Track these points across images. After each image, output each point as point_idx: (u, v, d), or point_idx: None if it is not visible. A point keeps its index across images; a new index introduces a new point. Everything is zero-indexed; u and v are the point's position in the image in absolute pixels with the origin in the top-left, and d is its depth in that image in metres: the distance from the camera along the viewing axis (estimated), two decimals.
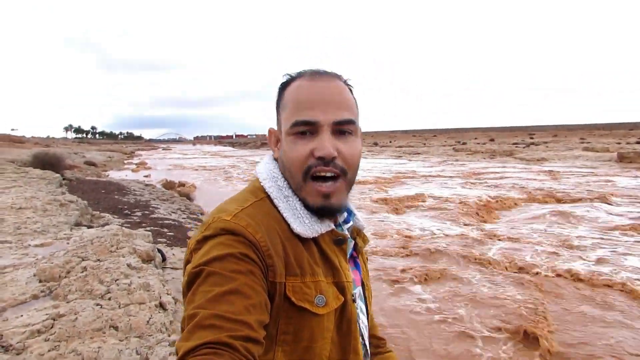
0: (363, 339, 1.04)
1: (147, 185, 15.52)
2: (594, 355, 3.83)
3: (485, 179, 18.44)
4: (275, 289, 0.87)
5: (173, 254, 4.47)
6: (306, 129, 0.93)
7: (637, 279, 5.64)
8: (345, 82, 1.01)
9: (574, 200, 12.15)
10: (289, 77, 1.02)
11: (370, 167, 26.08)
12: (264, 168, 1.03)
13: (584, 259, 6.66)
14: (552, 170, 21.11)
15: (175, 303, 1.96)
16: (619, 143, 35.95)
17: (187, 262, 0.91)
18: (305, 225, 0.94)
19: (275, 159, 1.04)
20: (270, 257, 0.87)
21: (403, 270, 6.10)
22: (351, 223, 1.05)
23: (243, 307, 0.77)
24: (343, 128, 0.95)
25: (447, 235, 8.46)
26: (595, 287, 5.48)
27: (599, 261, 6.54)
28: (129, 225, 6.39)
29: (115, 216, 7.43)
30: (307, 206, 0.96)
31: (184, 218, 8.04)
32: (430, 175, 20.03)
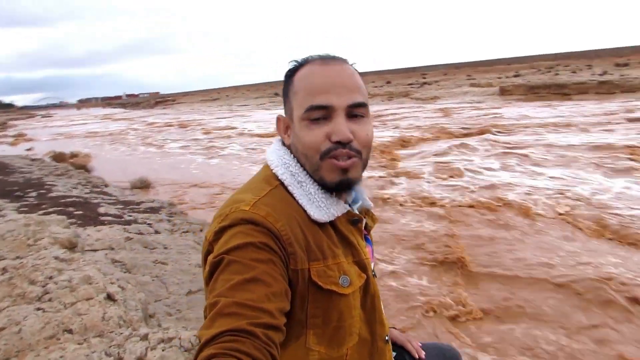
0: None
1: (33, 160, 14.03)
2: (506, 269, 4.33)
3: (385, 121, 19.23)
4: (297, 276, 0.88)
5: (88, 235, 4.18)
6: (320, 114, 0.93)
7: (527, 199, 6.37)
8: (352, 65, 1.01)
9: (466, 135, 13.17)
10: (296, 63, 1.00)
11: (273, 118, 25.88)
12: (275, 155, 1.02)
13: (483, 187, 7.33)
14: (445, 108, 22.53)
15: (123, 290, 1.86)
16: (500, 77, 39.15)
17: (207, 253, 0.89)
18: (321, 209, 0.95)
19: (286, 145, 1.03)
20: (291, 245, 0.88)
21: None
22: (360, 202, 1.07)
23: (264, 295, 0.78)
24: (356, 111, 0.95)
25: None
26: (495, 211, 6.10)
27: (494, 187, 7.25)
28: (26, 209, 5.81)
29: (6, 200, 6.69)
30: (324, 185, 0.96)
31: (87, 193, 7.46)
32: None
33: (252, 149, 14.37)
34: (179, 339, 1.32)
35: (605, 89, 22.99)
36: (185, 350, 1.30)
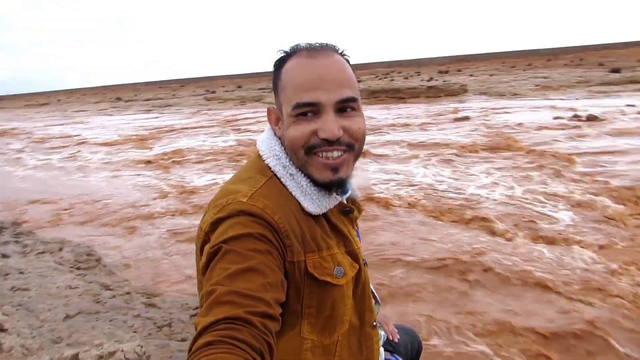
0: (372, 293, 1.13)
1: None
2: (378, 255, 4.71)
3: (240, 125, 19.20)
4: (294, 268, 0.90)
5: None
6: (308, 110, 0.93)
7: (386, 192, 6.99)
8: (342, 54, 0.99)
9: None
10: (284, 53, 0.98)
11: (121, 125, 24.00)
12: (266, 145, 1.01)
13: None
14: None
15: (9, 317, 1.62)
16: None
17: (204, 243, 0.88)
18: (314, 202, 0.97)
19: (277, 136, 1.02)
20: (289, 238, 0.89)
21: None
22: (349, 193, 1.08)
23: (260, 285, 0.79)
24: (346, 106, 0.95)
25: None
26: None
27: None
28: None
29: None
30: (314, 181, 0.96)
31: None
32: (188, 127, 19.72)
33: (99, 159, 13.15)
34: (122, 351, 1.22)
35: (432, 93, 26.08)
36: None
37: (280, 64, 0.99)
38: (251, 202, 0.88)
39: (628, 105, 14.53)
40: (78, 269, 4.04)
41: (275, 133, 1.04)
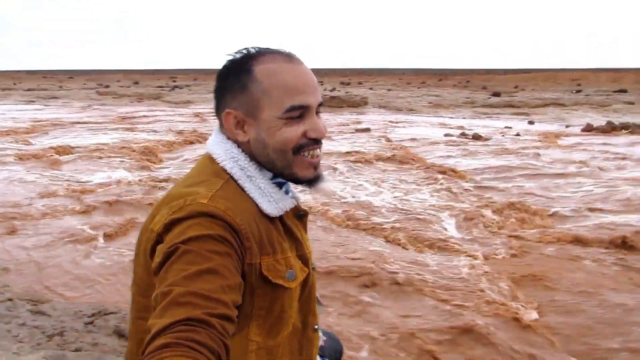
0: (317, 298, 1.13)
1: None
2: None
3: (137, 123, 18.22)
4: (251, 270, 0.90)
5: None
6: (299, 113, 0.95)
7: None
8: None
9: None
10: (244, 54, 0.98)
11: None
12: (220, 149, 0.98)
13: None
14: (199, 113, 22.66)
15: None
16: None
17: (156, 243, 0.86)
18: (271, 204, 0.97)
19: (232, 140, 0.99)
20: (248, 240, 0.89)
21: (94, 227, 5.65)
22: (290, 194, 1.08)
23: (219, 287, 0.78)
24: (319, 109, 1.01)
25: (120, 183, 8.18)
26: None
27: None
28: None
29: None
30: (295, 180, 1.00)
31: None
32: (79, 122, 18.23)
33: None
34: None
35: (335, 103, 26.92)
36: None
37: (244, 65, 0.98)
38: (212, 204, 0.87)
39: (506, 127, 16.27)
40: None
41: (235, 139, 1.00)
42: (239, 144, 1.01)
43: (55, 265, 4.66)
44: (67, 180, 8.46)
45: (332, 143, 12.82)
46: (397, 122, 18.57)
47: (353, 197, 7.36)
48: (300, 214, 1.09)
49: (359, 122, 18.16)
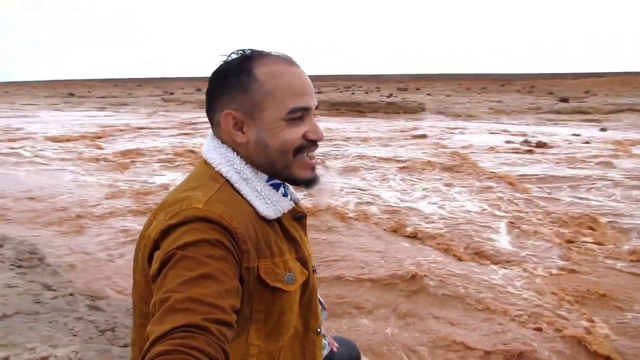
0: (319, 300, 1.12)
1: None
2: (329, 267, 4.73)
3: (199, 129, 18.91)
4: (249, 273, 0.89)
5: None
6: (300, 115, 0.97)
7: (343, 205, 7.06)
8: None
9: None
10: (241, 55, 0.98)
11: (72, 120, 23.06)
12: (215, 153, 0.98)
13: (304, 194, 7.84)
14: None
15: None
16: None
17: (153, 250, 0.85)
18: (269, 206, 0.96)
19: (235, 143, 0.99)
20: (245, 243, 0.88)
21: None
22: (289, 195, 1.08)
23: (217, 292, 0.78)
24: (315, 111, 1.02)
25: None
26: (317, 216, 6.59)
27: (314, 195, 7.82)
28: None
29: None
30: (293, 181, 1.01)
31: None
32: (144, 128, 19.21)
33: (48, 156, 12.55)
34: (55, 357, 1.16)
35: (391, 109, 26.66)
36: None
37: (243, 66, 0.98)
38: (207, 208, 0.86)
39: (574, 135, 15.37)
40: (19, 267, 3.83)
41: (233, 140, 1.00)
42: (235, 147, 1.00)
43: (116, 263, 4.90)
44: (131, 182, 8.91)
45: (385, 149, 12.68)
46: (454, 129, 18.08)
47: (403, 203, 7.22)
48: (298, 216, 1.07)
49: (415, 129, 17.86)
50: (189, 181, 0.99)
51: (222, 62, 1.01)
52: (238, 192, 0.96)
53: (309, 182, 1.03)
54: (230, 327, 0.78)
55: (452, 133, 16.67)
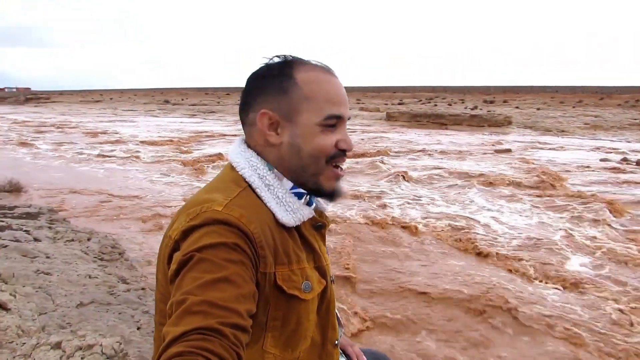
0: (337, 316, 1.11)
1: None
2: (394, 282, 4.61)
3: None
4: (265, 279, 0.88)
5: None
6: (334, 122, 0.98)
7: (414, 219, 6.88)
8: None
9: (357, 156, 13.83)
10: (284, 59, 1.01)
11: (164, 126, 24.78)
12: (240, 157, 1.00)
13: (374, 206, 7.76)
14: None
15: (15, 299, 1.67)
16: (386, 104, 41.86)
17: (173, 251, 0.87)
18: (289, 213, 0.96)
19: (257, 145, 1.01)
20: (263, 248, 0.88)
21: None
22: (314, 205, 1.07)
23: (233, 296, 0.78)
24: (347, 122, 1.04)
25: None
26: (386, 229, 6.49)
27: (385, 206, 7.72)
28: None
29: None
30: (318, 190, 1.01)
31: None
32: (227, 135, 20.13)
33: (140, 158, 13.57)
34: (101, 345, 1.23)
35: (475, 122, 25.68)
36: (108, 358, 1.21)
37: (284, 70, 0.99)
38: (227, 211, 0.87)
39: None
40: (101, 259, 4.15)
41: (266, 140, 1.00)
42: (264, 150, 1.00)
43: None
44: None
45: (465, 164, 12.21)
46: (543, 144, 17.01)
47: (479, 221, 6.88)
48: (318, 225, 1.05)
49: (499, 143, 17.05)
50: (213, 184, 1.01)
51: (263, 65, 1.03)
52: (259, 197, 0.95)
53: (333, 194, 1.03)
54: (245, 331, 0.78)
55: (539, 148, 15.70)
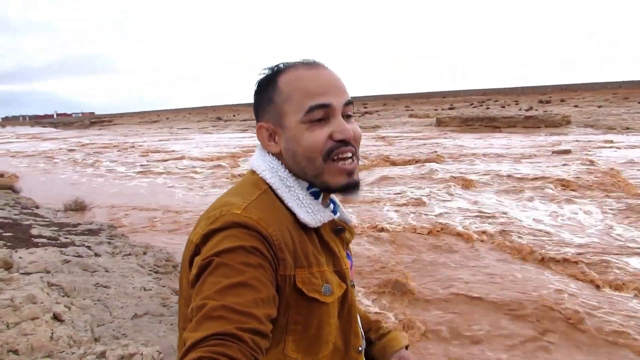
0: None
1: None
2: (449, 291, 4.47)
3: None
4: (285, 282, 0.87)
5: (20, 257, 3.89)
6: (321, 115, 0.93)
7: (468, 225, 6.66)
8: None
9: (406, 163, 13.63)
10: (270, 70, 1.00)
11: (216, 142, 25.55)
12: (261, 161, 1.00)
13: (428, 213, 7.59)
14: (385, 136, 23.24)
15: (69, 310, 1.75)
16: (436, 109, 41.09)
17: (194, 255, 0.87)
18: (309, 214, 0.94)
19: (273, 154, 1.00)
20: (282, 251, 0.87)
21: None
22: (338, 214, 1.05)
23: (252, 300, 0.77)
24: (348, 111, 0.97)
25: None
26: (438, 236, 6.32)
27: (440, 215, 7.53)
28: None
29: None
30: (328, 189, 0.97)
31: (17, 214, 6.97)
32: None
33: (195, 173, 14.05)
34: (141, 354, 1.26)
35: (531, 123, 24.70)
36: None
37: (271, 79, 0.99)
38: (245, 214, 0.86)
39: None
40: (156, 272, 4.30)
41: (269, 150, 1.00)
42: (281, 157, 0.99)
43: None
44: None
45: (518, 166, 11.73)
46: (605, 142, 16.06)
47: (536, 226, 6.56)
48: (338, 229, 1.02)
49: (557, 144, 16.27)
50: (234, 188, 1.01)
51: (257, 81, 1.03)
52: (280, 198, 0.94)
53: (345, 189, 0.96)
54: (264, 336, 0.77)
55: (602, 148, 14.84)
